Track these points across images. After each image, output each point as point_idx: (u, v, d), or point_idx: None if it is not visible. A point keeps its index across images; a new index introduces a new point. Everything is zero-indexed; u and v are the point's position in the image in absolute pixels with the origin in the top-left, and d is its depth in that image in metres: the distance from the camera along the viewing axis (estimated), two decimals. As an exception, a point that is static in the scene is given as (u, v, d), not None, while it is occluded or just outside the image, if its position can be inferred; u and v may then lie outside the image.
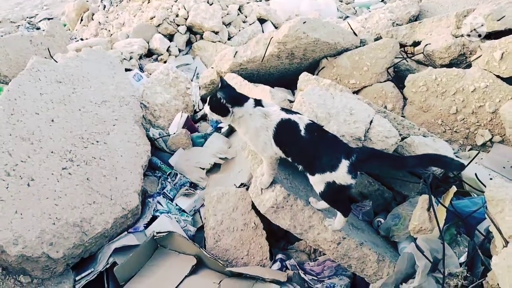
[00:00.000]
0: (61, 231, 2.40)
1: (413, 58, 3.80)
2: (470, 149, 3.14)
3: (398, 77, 3.62)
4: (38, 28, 7.47)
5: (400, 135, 2.40)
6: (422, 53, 3.67)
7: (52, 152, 2.71)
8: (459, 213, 2.24)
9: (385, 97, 3.44)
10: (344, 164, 1.92)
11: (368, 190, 2.65)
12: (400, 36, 3.98)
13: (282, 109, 2.08)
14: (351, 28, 3.79)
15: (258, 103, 2.10)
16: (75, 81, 3.31)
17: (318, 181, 2.00)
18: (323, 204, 2.25)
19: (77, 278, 2.50)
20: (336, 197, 2.06)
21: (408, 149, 2.35)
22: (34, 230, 2.31)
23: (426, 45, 3.67)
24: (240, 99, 2.10)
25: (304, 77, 2.91)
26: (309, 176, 2.04)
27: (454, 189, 2.21)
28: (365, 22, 4.78)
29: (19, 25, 7.68)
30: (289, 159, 2.10)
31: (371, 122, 2.32)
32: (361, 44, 3.70)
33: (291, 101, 2.70)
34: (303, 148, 2.02)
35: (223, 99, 2.03)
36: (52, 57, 3.53)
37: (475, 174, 2.39)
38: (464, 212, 2.26)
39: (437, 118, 3.23)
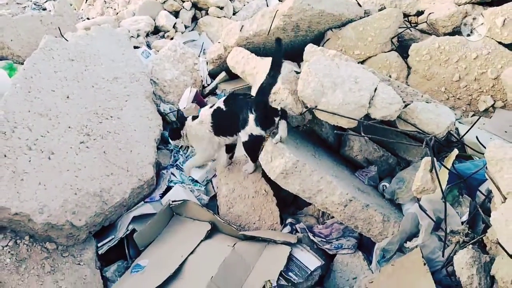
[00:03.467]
0: (83, 200, 2.54)
1: (416, 27, 3.84)
2: (473, 115, 3.22)
3: (402, 46, 3.67)
4: (44, 9, 7.49)
5: (404, 102, 2.48)
6: (426, 22, 3.71)
7: (69, 127, 2.82)
8: (461, 175, 2.34)
9: (389, 66, 3.50)
10: (251, 118, 2.43)
11: (373, 157, 2.75)
12: (403, 6, 4.02)
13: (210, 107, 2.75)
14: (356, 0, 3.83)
15: (194, 117, 2.81)
16: (87, 58, 3.40)
17: (243, 135, 2.53)
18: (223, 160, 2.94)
19: (99, 245, 2.65)
20: (251, 147, 2.57)
21: (411, 114, 2.43)
22: (58, 200, 2.44)
23: (430, 14, 3.71)
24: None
25: (309, 48, 2.97)
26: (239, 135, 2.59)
27: (456, 151, 2.30)
28: (369, -7, 4.79)
29: (25, 6, 7.70)
30: (229, 137, 2.71)
31: (375, 90, 2.40)
32: (365, 15, 3.73)
33: (297, 72, 2.78)
34: (228, 119, 2.61)
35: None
36: (63, 36, 3.61)
37: (476, 137, 2.48)
38: (466, 173, 2.35)
39: (440, 86, 3.31)
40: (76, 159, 2.69)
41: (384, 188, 2.64)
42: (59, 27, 3.92)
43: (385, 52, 3.55)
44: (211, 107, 2.75)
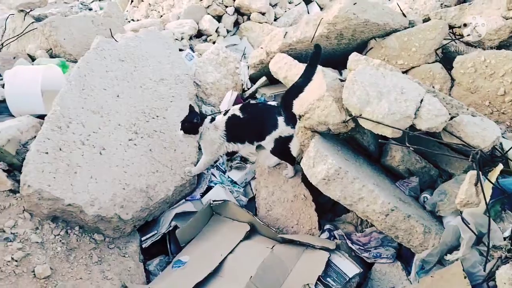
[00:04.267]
0: (130, 195, 2.65)
1: (461, 39, 3.82)
2: (518, 131, 3.18)
3: (446, 58, 3.65)
4: (90, 9, 7.80)
5: (449, 114, 2.48)
6: (471, 34, 3.68)
7: (119, 125, 2.95)
8: (504, 190, 2.32)
9: (432, 78, 3.49)
10: (281, 120, 2.57)
11: (415, 167, 2.75)
12: (449, 18, 3.99)
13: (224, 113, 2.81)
14: (401, 10, 3.84)
15: (212, 119, 2.81)
16: (136, 59, 3.53)
17: (268, 142, 2.67)
18: (274, 159, 2.96)
19: (142, 239, 2.76)
20: (283, 149, 2.70)
21: (457, 127, 2.44)
22: (107, 194, 2.56)
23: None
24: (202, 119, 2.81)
25: (354, 57, 3.01)
26: (261, 143, 2.72)
27: (500, 166, 2.29)
28: (412, 3, 4.78)
29: (72, 6, 8.02)
30: (240, 145, 2.79)
31: (421, 101, 2.42)
32: (409, 25, 3.74)
33: (342, 80, 2.82)
34: (248, 126, 2.69)
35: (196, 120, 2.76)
36: (113, 37, 3.76)
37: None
38: (509, 189, 2.33)
39: (484, 99, 3.27)
40: (125, 155, 2.81)
41: (425, 199, 2.64)
42: (110, 29, 4.08)
43: (429, 63, 3.54)
44: (225, 114, 2.80)
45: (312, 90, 2.70)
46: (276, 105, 2.70)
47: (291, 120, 2.63)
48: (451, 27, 4.02)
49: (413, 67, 3.58)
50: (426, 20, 3.99)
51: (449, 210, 2.46)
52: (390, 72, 2.63)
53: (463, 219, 2.20)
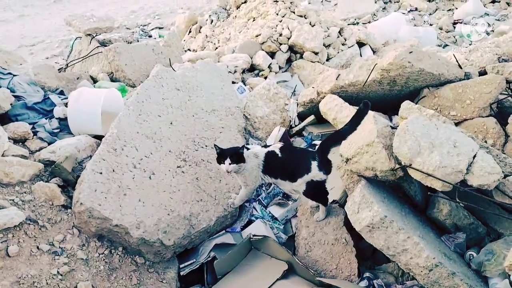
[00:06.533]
0: (174, 222, 2.72)
1: (519, 95, 3.72)
2: None
3: (500, 113, 3.56)
4: (150, 36, 8.22)
5: (502, 172, 2.41)
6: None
7: (169, 151, 3.06)
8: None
9: (486, 132, 3.41)
10: (314, 164, 2.64)
11: (462, 223, 2.67)
12: (506, 73, 3.91)
13: (262, 146, 3.00)
14: (457, 61, 3.81)
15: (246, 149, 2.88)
16: (191, 89, 3.67)
17: (300, 184, 2.73)
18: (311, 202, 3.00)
19: (180, 266, 2.80)
20: (315, 192, 2.76)
21: (510, 187, 2.37)
22: (153, 218, 2.64)
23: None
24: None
25: (406, 105, 3.00)
26: (292, 184, 2.78)
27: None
28: (468, 54, 4.73)
29: (133, 32, 8.48)
30: (273, 179, 2.87)
31: (474, 156, 2.37)
32: (465, 77, 3.70)
33: (392, 127, 2.81)
34: (283, 165, 2.78)
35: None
36: (171, 66, 3.94)
37: None
38: None
39: (540, 159, 3.16)
40: (173, 181, 2.90)
41: (471, 257, 2.55)
42: (169, 58, 4.28)
43: (483, 116, 3.46)
44: (263, 146, 2.97)
45: (361, 134, 2.72)
46: (312, 150, 2.82)
47: (325, 166, 2.72)
48: (508, 81, 3.94)
49: (466, 119, 3.51)
50: (482, 72, 3.94)
51: (496, 272, 2.36)
52: (443, 124, 2.60)
53: (511, 283, 2.11)
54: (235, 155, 2.78)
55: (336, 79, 3.76)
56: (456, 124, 3.51)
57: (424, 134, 2.45)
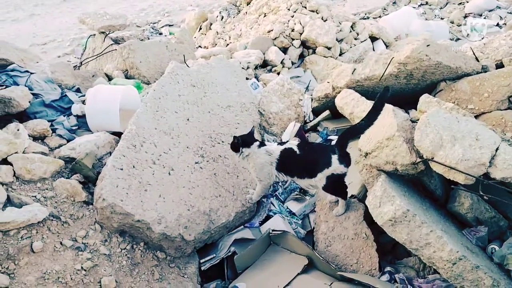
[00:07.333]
0: (194, 217, 2.73)
1: (537, 88, 3.68)
2: None
3: (519, 106, 3.54)
4: (160, 33, 8.22)
5: (525, 165, 2.39)
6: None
7: (187, 147, 3.06)
8: None
9: (504, 125, 3.38)
10: (335, 158, 2.64)
11: (484, 217, 2.66)
12: (524, 65, 3.87)
13: (278, 143, 2.95)
14: (474, 54, 3.77)
15: (261, 144, 2.90)
16: (206, 85, 3.67)
17: (320, 179, 2.71)
18: (330, 197, 3.00)
19: (201, 261, 2.81)
20: (335, 186, 2.76)
21: (533, 179, 2.34)
22: (174, 213, 2.65)
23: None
24: (248, 142, 2.89)
25: (425, 98, 2.98)
26: (312, 180, 2.76)
27: None
28: (483, 47, 4.68)
29: (144, 30, 8.49)
30: (289, 177, 2.88)
31: (496, 149, 2.35)
32: (482, 70, 3.67)
33: (412, 121, 2.79)
34: (301, 162, 2.77)
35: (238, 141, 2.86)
36: (186, 63, 3.94)
37: None
38: None
39: (561, 151, 3.12)
40: (191, 177, 2.90)
41: (493, 251, 2.53)
42: (183, 55, 4.28)
43: (501, 109, 3.43)
44: (279, 144, 2.93)
45: (380, 128, 2.70)
46: (331, 144, 2.84)
47: (345, 159, 2.71)
48: (526, 74, 3.90)
49: (483, 113, 3.48)
50: (499, 65, 3.90)
51: (520, 265, 2.34)
52: (464, 117, 2.58)
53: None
54: (233, 142, 2.90)
55: (352, 73, 3.74)
56: (475, 117, 3.48)
57: (445, 127, 2.43)
